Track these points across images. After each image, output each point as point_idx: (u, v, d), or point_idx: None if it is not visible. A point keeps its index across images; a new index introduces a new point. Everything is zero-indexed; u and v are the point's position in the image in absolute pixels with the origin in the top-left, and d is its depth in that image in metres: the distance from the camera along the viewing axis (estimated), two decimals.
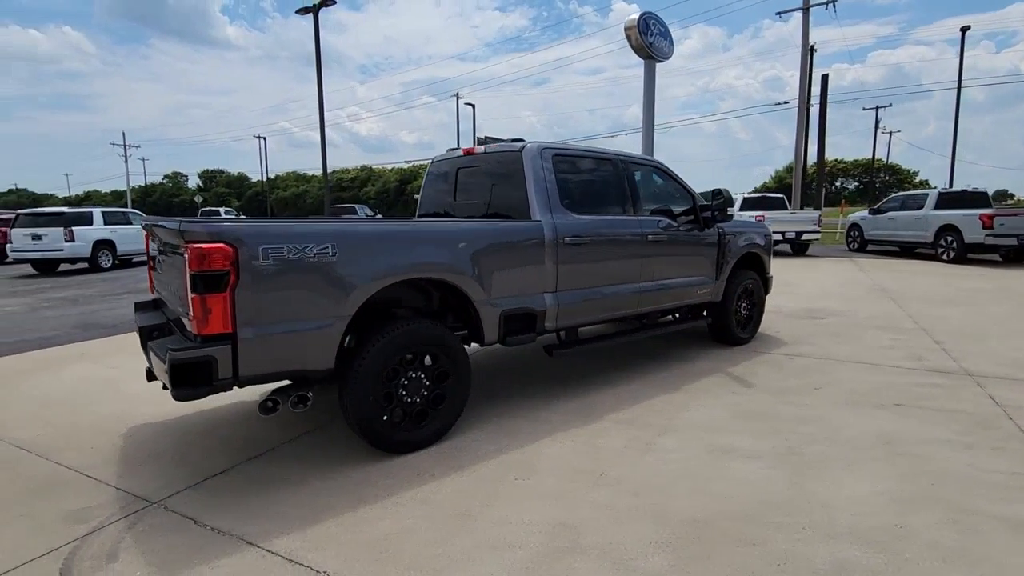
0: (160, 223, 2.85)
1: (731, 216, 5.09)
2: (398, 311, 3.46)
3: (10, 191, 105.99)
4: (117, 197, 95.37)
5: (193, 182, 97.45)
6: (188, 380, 2.55)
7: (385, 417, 3.14)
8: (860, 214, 17.10)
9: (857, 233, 16.37)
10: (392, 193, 72.57)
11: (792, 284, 10.20)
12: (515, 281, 3.69)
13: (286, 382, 2.99)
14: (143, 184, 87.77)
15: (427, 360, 3.30)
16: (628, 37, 19.23)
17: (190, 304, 2.53)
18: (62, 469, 3.13)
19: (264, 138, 64.78)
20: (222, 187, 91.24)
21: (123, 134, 59.19)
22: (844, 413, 3.83)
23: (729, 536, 2.41)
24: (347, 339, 3.05)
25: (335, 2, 16.62)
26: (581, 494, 2.79)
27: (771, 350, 5.49)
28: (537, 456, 3.22)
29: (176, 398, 2.55)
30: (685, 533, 2.44)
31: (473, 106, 42.73)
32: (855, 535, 2.40)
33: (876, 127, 48.66)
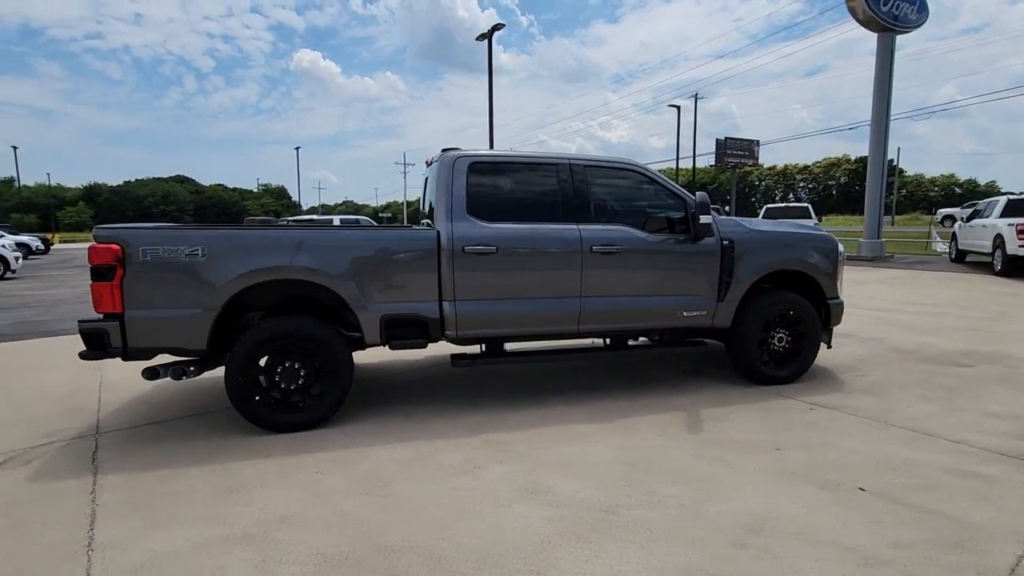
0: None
1: (703, 225, 4.13)
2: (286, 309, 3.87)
3: (344, 202, 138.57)
4: (409, 206, 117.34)
5: None
6: (90, 345, 3.42)
7: (257, 398, 3.62)
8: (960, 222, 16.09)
9: (954, 243, 15.23)
10: None
11: (887, 305, 7.53)
12: (399, 287, 3.79)
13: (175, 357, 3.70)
14: (423, 196, 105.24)
15: (304, 354, 3.67)
16: (852, 10, 16.12)
17: (90, 289, 3.39)
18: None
19: (511, 150, 71.50)
20: None
21: (403, 154, 72.30)
22: (763, 484, 2.94)
23: (381, 567, 2.24)
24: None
25: (503, 25, 18.06)
26: (341, 499, 2.84)
27: (804, 395, 4.30)
28: (362, 459, 3.32)
29: (81, 357, 3.44)
30: (369, 556, 2.35)
31: (678, 108, 40.75)
32: None
33: None
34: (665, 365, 5.25)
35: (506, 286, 3.96)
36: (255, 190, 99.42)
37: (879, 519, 2.58)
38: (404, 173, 64.64)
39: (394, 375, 5.15)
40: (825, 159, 69.69)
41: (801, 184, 73.16)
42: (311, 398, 3.74)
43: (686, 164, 46.64)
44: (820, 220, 18.49)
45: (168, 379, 3.63)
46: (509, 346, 4.39)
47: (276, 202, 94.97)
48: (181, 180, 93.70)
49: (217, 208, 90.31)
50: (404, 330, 3.83)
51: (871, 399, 4.24)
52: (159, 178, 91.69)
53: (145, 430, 3.84)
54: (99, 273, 3.36)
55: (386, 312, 3.76)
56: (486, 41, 17.23)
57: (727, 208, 47.01)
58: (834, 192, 64.49)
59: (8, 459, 3.37)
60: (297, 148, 56.86)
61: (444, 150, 4.13)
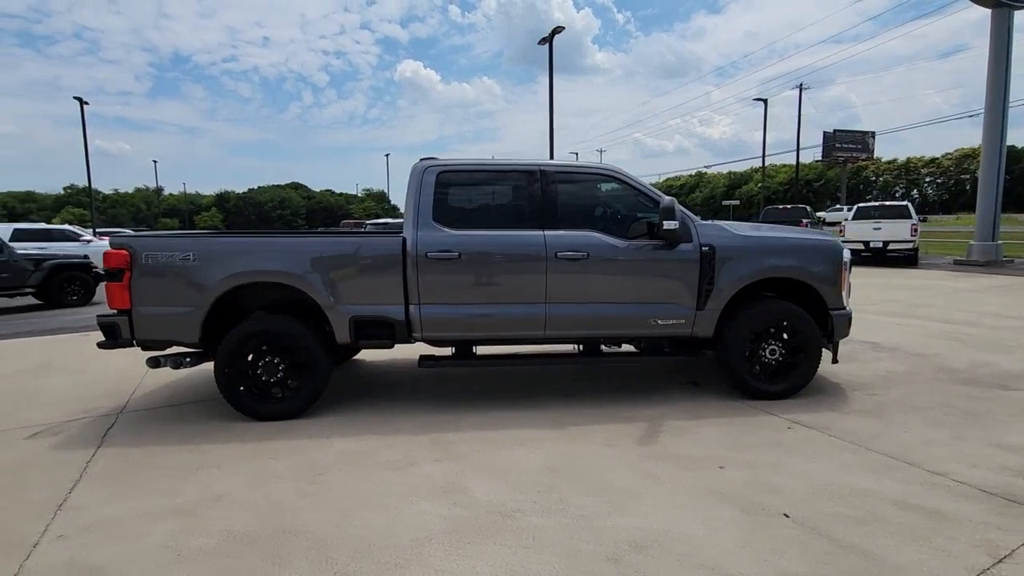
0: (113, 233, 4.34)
1: (668, 231, 3.93)
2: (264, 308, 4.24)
3: None
4: None
5: None
6: (106, 336, 3.99)
7: (242, 388, 4.03)
8: None
9: None
10: (719, 198, 69.48)
11: (968, 317, 6.36)
12: (367, 290, 4.03)
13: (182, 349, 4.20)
14: None
15: (281, 350, 4.03)
16: None
17: (105, 288, 3.96)
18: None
19: (602, 151, 70.86)
20: None
21: (491, 156, 73.90)
22: (681, 502, 2.83)
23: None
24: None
25: (563, 28, 17.83)
26: (275, 484, 3.12)
27: (792, 411, 4.00)
28: (314, 448, 3.59)
29: (99, 346, 4.03)
30: (266, 536, 2.60)
31: (766, 102, 37.76)
32: None
33: None
34: (661, 375, 5.08)
35: (469, 291, 4.07)
36: (358, 195, 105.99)
37: (782, 549, 2.41)
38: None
39: (391, 372, 5.42)
40: (958, 150, 61.80)
41: (928, 179, 65.45)
42: (290, 391, 4.09)
43: (786, 159, 43.47)
44: (924, 219, 16.73)
45: (196, 368, 4.11)
46: (490, 350, 4.50)
47: (377, 205, 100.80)
48: (295, 187, 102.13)
49: (325, 212, 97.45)
50: (372, 330, 4.07)
51: (867, 421, 3.86)
52: (277, 185, 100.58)
53: (160, 411, 4.39)
54: (112, 275, 3.92)
55: (355, 313, 4.02)
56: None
57: (839, 206, 42.95)
58: (967, 187, 56.96)
59: (44, 430, 4.02)
60: (387, 155, 60.20)
61: (422, 159, 4.32)
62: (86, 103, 26.48)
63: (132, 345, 4.05)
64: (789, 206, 20.18)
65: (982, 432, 3.62)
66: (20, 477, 3.27)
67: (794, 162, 43.00)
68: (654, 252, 4.12)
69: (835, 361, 4.51)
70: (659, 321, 4.17)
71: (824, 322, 4.29)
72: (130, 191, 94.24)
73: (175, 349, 4.16)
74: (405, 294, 4.05)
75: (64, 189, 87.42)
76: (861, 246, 15.16)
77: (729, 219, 26.28)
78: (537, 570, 2.30)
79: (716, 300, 4.17)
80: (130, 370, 5.62)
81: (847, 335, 4.45)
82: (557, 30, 17.31)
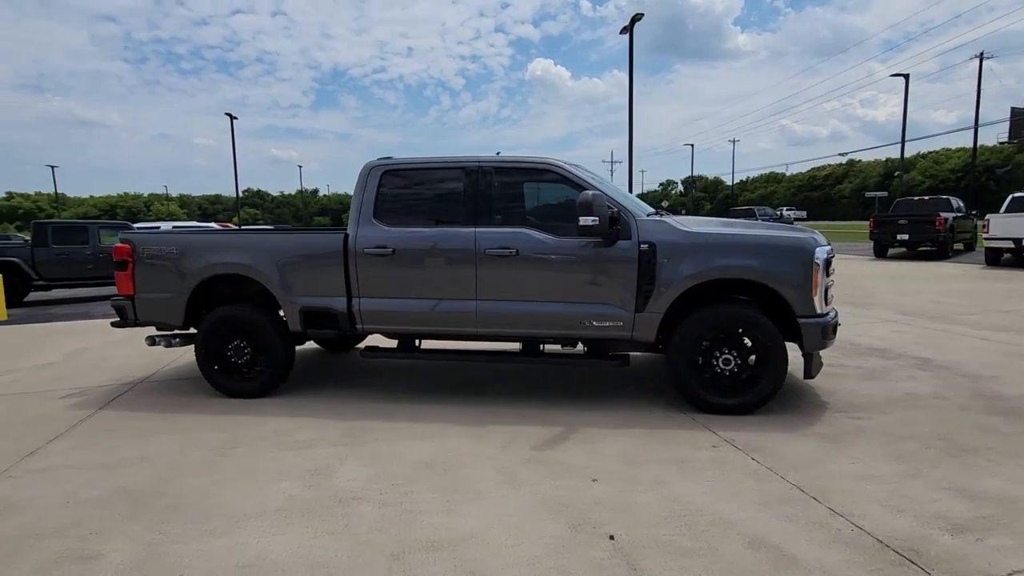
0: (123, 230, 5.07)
1: (584, 227, 3.62)
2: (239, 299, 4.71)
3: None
4: None
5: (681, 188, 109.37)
6: (118, 316, 4.74)
7: (216, 367, 4.56)
8: None
9: None
10: (873, 189, 61.27)
11: None
12: (314, 283, 4.32)
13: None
14: (640, 192, 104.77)
15: (246, 335, 4.49)
16: None
17: (115, 277, 4.70)
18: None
19: (735, 141, 66.34)
20: (700, 192, 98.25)
21: (611, 152, 72.21)
22: (513, 508, 2.73)
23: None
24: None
25: (642, 16, 16.61)
26: (188, 452, 3.52)
27: (736, 429, 3.57)
28: (250, 426, 3.96)
29: (112, 325, 4.79)
30: (134, 495, 2.98)
31: (906, 76, 32.04)
32: None
33: None
34: (626, 380, 4.78)
35: (402, 286, 4.19)
36: None
37: (571, 570, 2.24)
38: (611, 171, 64.78)
39: (383, 363, 5.69)
40: None
41: None
42: (256, 372, 4.54)
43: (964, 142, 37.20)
44: None
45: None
46: (436, 345, 4.58)
47: None
48: None
49: None
50: (320, 321, 4.37)
51: (816, 446, 3.34)
52: None
53: (167, 384, 5.09)
54: (119, 265, 4.64)
55: (304, 304, 4.35)
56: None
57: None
58: None
59: (76, 393, 4.88)
60: (497, 153, 61.27)
61: (381, 159, 4.52)
62: (235, 118, 30.91)
63: (137, 325, 4.76)
64: (927, 197, 17.32)
65: (952, 472, 2.97)
66: (23, 428, 4.03)
67: (983, 144, 36.60)
68: (588, 250, 3.91)
69: (808, 376, 3.93)
70: (593, 323, 3.95)
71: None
72: (292, 193, 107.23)
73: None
74: (347, 288, 4.28)
75: (244, 191, 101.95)
76: (1010, 243, 12.63)
77: (876, 212, 23.27)
78: (322, 556, 2.39)
79: (657, 302, 3.84)
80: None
81: (824, 346, 3.85)
82: (636, 17, 16.49)
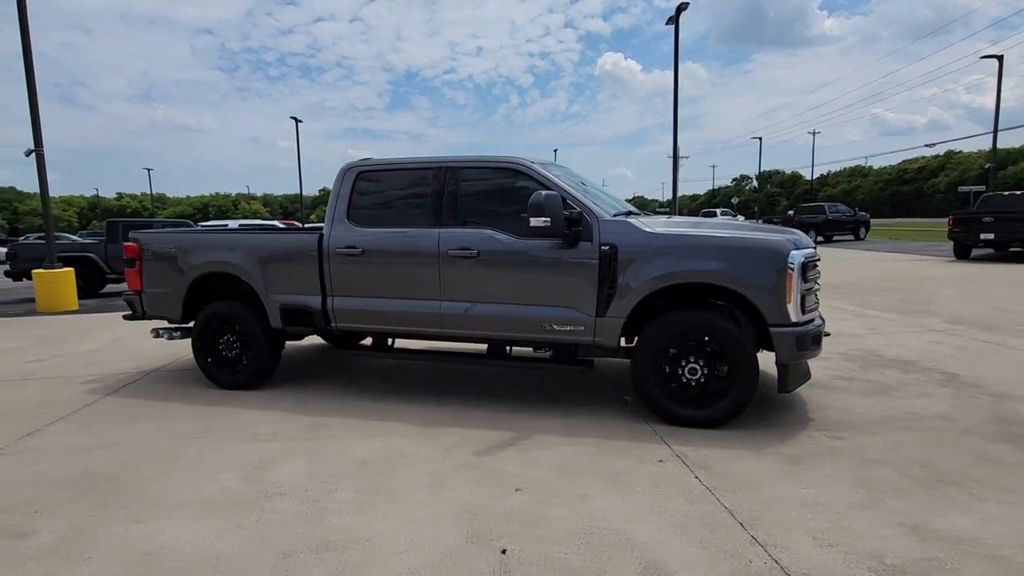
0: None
1: (535, 228, 3.47)
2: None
3: (634, 198, 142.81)
4: (692, 199, 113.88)
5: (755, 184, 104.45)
6: (130, 309, 5.12)
7: (209, 360, 4.83)
8: None
9: None
10: (973, 183, 55.73)
11: None
12: (292, 282, 4.46)
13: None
14: (712, 188, 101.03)
15: (235, 330, 4.72)
16: None
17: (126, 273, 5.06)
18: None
19: (815, 133, 62.56)
20: (775, 187, 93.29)
21: (674, 147, 69.99)
22: (421, 510, 2.70)
23: None
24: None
25: (687, 5, 15.60)
26: (156, 440, 3.74)
27: (696, 443, 3.35)
28: (221, 416, 4.15)
29: (124, 318, 5.17)
30: (95, 475, 3.21)
31: (1000, 59, 28.31)
32: None
33: None
34: (599, 386, 4.61)
35: (371, 285, 4.25)
36: None
37: None
38: (675, 167, 62.47)
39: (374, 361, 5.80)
40: None
41: None
42: (243, 366, 4.76)
43: None
44: None
45: None
46: (410, 344, 4.61)
47: None
48: None
49: None
50: (297, 318, 4.51)
51: (772, 468, 3.07)
52: None
53: (178, 374, 5.44)
54: (128, 262, 5.00)
55: (283, 302, 4.50)
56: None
57: None
58: None
59: (96, 379, 5.31)
60: (555, 150, 60.76)
61: (358, 160, 4.60)
62: (300, 121, 32.73)
63: (145, 318, 5.11)
64: (1020, 192, 15.47)
65: (916, 505, 2.64)
66: (37, 409, 4.43)
67: None
68: (549, 251, 3.80)
69: (783, 390, 3.62)
70: (555, 326, 3.84)
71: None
72: None
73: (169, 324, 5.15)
74: (322, 286, 4.39)
75: (319, 191, 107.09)
76: None
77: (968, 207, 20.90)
78: (220, 549, 2.46)
79: (619, 307, 3.67)
80: None
81: (802, 358, 3.54)
82: (682, 7, 15.75)
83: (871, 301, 8.44)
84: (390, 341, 4.66)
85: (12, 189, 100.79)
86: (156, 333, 5.10)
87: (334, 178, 4.46)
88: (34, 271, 10.16)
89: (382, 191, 4.38)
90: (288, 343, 5.13)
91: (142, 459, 3.44)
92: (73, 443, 3.72)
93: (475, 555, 2.36)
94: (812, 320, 3.59)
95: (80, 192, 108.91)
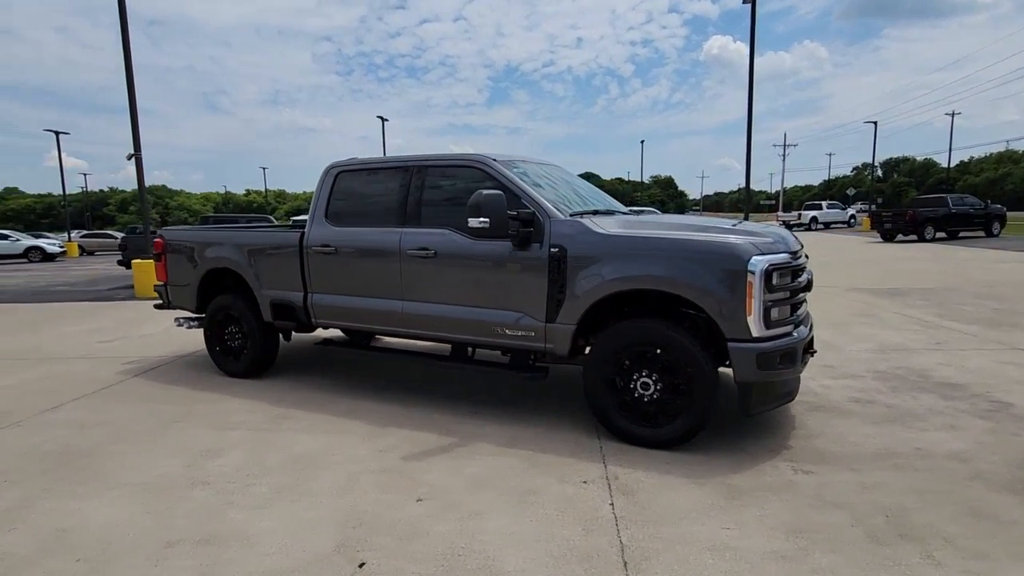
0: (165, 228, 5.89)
1: (474, 229, 3.26)
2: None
3: (738, 189, 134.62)
4: (804, 190, 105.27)
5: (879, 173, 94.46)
6: (160, 299, 5.63)
7: (217, 348, 5.19)
8: None
9: None
10: None
11: None
12: (278, 277, 4.65)
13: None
14: (827, 178, 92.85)
15: (237, 321, 5.03)
16: None
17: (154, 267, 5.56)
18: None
19: (954, 114, 55.39)
20: (903, 177, 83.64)
21: (784, 134, 64.48)
22: (305, 516, 2.70)
23: None
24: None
25: None
26: (128, 422, 4.08)
27: (643, 466, 3.06)
28: (198, 402, 4.43)
29: (155, 307, 5.69)
30: (54, 451, 3.56)
31: None
32: None
33: None
34: (576, 396, 4.33)
35: (343, 283, 4.33)
36: (645, 181, 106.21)
37: None
38: (783, 155, 58.01)
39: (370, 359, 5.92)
40: None
41: None
42: (244, 355, 5.06)
43: None
44: None
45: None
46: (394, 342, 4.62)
47: (662, 192, 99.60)
48: (587, 176, 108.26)
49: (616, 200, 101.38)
50: (284, 312, 4.70)
51: (705, 499, 2.73)
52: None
53: (201, 359, 5.89)
54: (156, 256, 5.49)
55: (272, 297, 4.71)
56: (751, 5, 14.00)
57: None
58: None
59: (134, 360, 5.90)
60: (642, 142, 58.08)
61: (341, 161, 4.71)
62: (386, 120, 34.16)
63: (170, 308, 5.59)
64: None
65: (846, 565, 2.22)
66: (72, 385, 4.99)
67: None
68: (501, 253, 3.63)
69: (746, 414, 3.21)
70: (507, 331, 3.68)
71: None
72: None
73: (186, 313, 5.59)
74: (303, 283, 4.55)
75: None
76: None
77: None
78: (121, 532, 2.62)
79: (568, 313, 3.44)
80: None
81: (763, 378, 3.10)
82: None
83: (959, 311, 7.29)
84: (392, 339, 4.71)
85: (163, 187, 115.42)
86: (178, 322, 5.56)
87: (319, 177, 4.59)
88: (133, 261, 11.52)
89: (358, 191, 4.44)
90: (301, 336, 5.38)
91: (119, 438, 3.76)
92: (77, 419, 4.15)
93: (332, 565, 2.32)
94: (784, 335, 3.14)
95: (216, 189, 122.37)
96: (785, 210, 48.56)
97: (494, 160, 3.89)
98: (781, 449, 3.29)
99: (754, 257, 3.02)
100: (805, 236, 28.13)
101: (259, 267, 4.79)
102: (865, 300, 8.30)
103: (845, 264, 13.71)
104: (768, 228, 3.71)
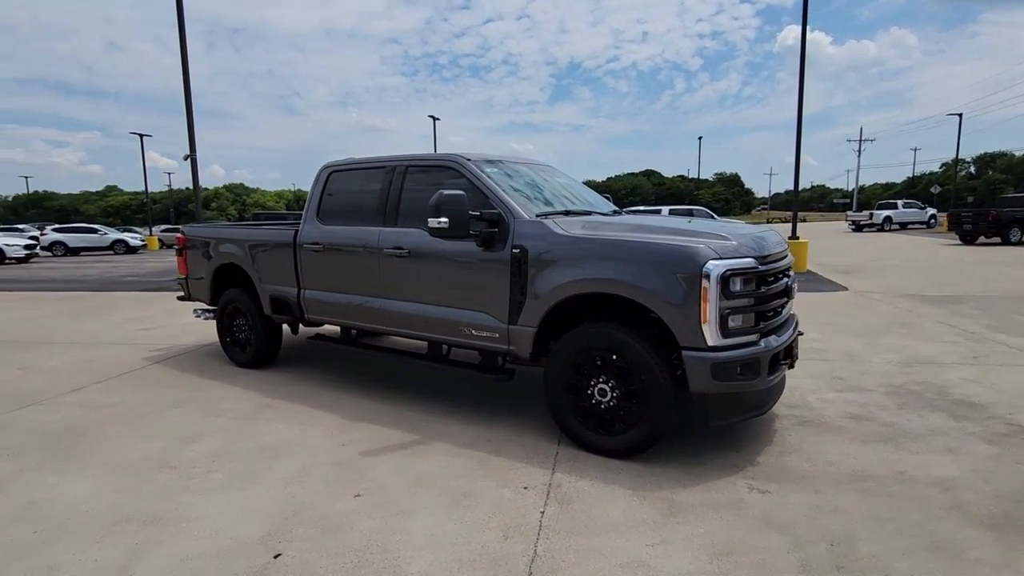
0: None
1: (432, 230, 3.23)
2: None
3: (812, 187, 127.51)
4: (886, 188, 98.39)
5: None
6: (182, 291, 6.00)
7: (228, 339, 5.48)
8: None
9: None
10: None
11: None
12: (276, 273, 4.84)
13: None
14: (911, 175, 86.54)
15: (243, 314, 5.29)
16: None
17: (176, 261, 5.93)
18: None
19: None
20: (999, 174, 76.44)
21: (860, 129, 60.36)
22: (251, 504, 2.80)
23: None
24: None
25: None
26: (135, 406, 4.36)
27: (594, 474, 2.98)
28: (198, 391, 4.68)
29: (178, 299, 6.06)
30: (56, 426, 3.86)
31: None
32: None
33: None
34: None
35: (329, 280, 4.45)
36: (709, 179, 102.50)
37: (209, 570, 2.27)
38: (859, 151, 54.40)
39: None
40: None
41: None
42: (249, 347, 5.31)
43: None
44: None
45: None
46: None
47: (727, 191, 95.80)
48: (648, 174, 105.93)
49: (674, 198, 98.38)
50: (281, 307, 4.89)
51: (640, 513, 2.62)
52: (632, 173, 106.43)
53: (218, 349, 6.23)
54: (178, 251, 5.86)
55: (271, 292, 4.92)
56: None
57: None
58: None
59: (163, 348, 6.31)
60: (700, 138, 55.84)
61: (343, 160, 4.83)
62: (437, 119, 34.75)
63: (190, 299, 5.95)
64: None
65: None
66: (100, 369, 5.41)
67: None
68: (467, 253, 3.62)
69: (709, 423, 3.04)
70: (472, 331, 3.66)
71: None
72: None
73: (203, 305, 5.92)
74: (296, 279, 4.71)
75: None
76: None
77: None
78: (84, 508, 2.81)
79: (529, 315, 3.39)
80: None
81: (724, 389, 2.91)
82: None
83: (1016, 322, 6.61)
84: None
85: (241, 185, 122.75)
86: (196, 313, 5.90)
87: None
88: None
89: (346, 190, 4.55)
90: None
91: (120, 420, 4.04)
92: (92, 400, 4.49)
93: (250, 554, 2.40)
94: (745, 345, 2.96)
95: (288, 187, 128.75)
96: (862, 209, 45.47)
97: (468, 160, 3.88)
98: (745, 465, 3.11)
99: (711, 262, 2.86)
100: (875, 238, 26.28)
101: (259, 263, 5.01)
102: (910, 307, 7.67)
103: (905, 268, 12.73)
104: (750, 230, 3.51)
